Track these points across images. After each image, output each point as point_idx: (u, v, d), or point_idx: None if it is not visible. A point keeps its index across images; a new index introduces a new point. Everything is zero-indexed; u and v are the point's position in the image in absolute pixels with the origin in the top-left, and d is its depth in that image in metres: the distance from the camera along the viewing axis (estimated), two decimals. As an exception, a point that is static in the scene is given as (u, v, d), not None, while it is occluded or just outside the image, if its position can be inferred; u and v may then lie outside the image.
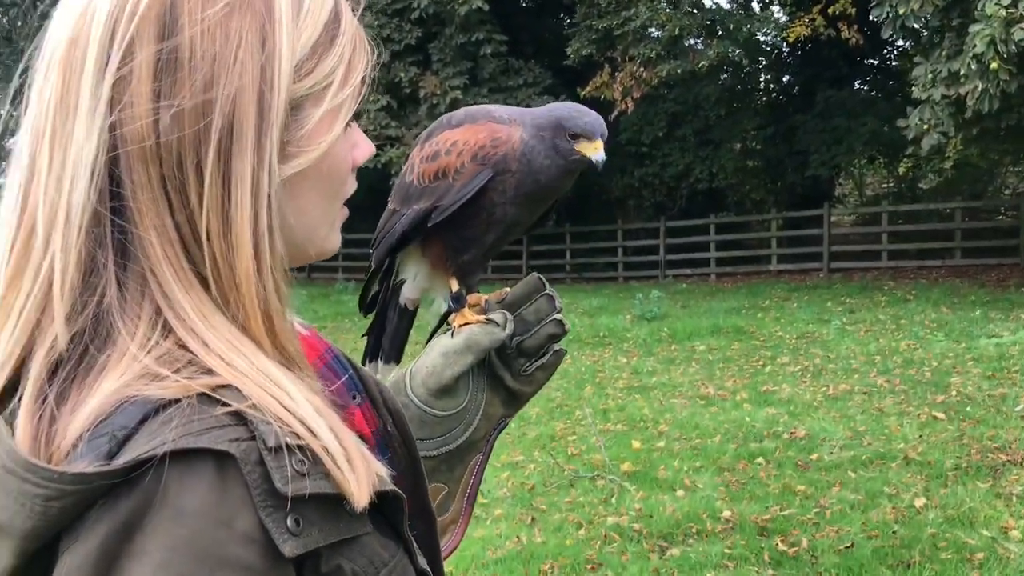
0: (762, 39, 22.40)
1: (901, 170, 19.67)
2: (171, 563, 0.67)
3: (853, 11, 16.86)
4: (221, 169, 0.76)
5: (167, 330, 0.76)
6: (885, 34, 14.46)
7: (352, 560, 0.78)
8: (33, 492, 0.69)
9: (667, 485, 6.28)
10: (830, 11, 17.13)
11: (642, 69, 18.27)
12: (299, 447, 0.74)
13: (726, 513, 5.64)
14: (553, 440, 7.60)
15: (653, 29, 18.58)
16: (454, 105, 19.62)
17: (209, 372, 0.75)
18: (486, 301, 1.42)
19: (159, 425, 0.70)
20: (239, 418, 0.73)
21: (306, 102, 0.82)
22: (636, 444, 7.25)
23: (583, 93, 19.26)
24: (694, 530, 5.46)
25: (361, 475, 0.77)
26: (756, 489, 6.09)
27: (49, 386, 0.74)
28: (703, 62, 18.32)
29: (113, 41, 0.75)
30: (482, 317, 1.35)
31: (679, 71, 18.52)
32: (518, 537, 5.47)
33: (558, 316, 1.38)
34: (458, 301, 1.40)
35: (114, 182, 0.75)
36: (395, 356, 1.55)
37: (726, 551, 5.11)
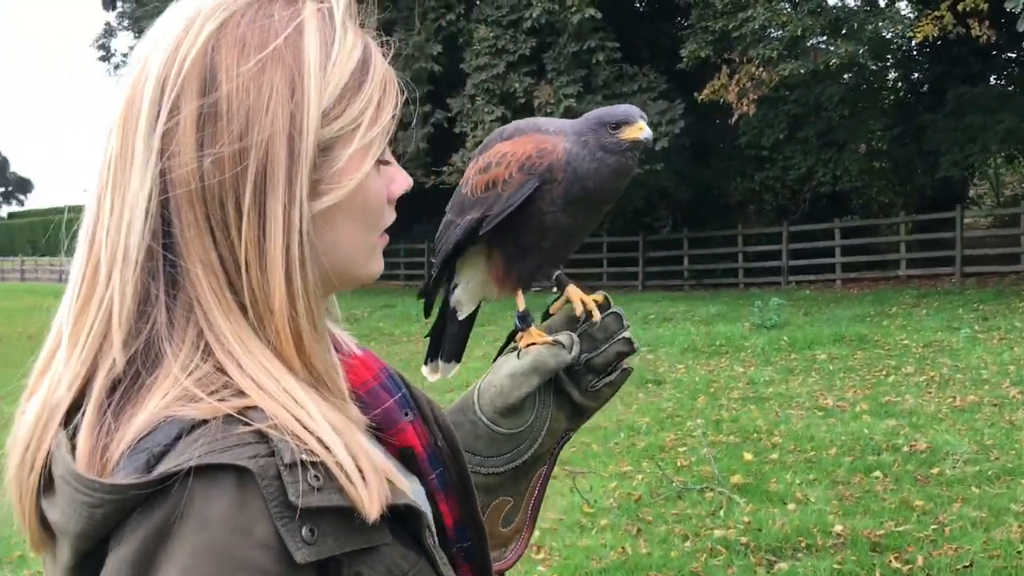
0: (888, 36, 21.59)
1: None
2: (195, 567, 0.75)
3: (985, 6, 16.06)
4: (257, 207, 0.84)
5: (207, 353, 0.84)
6: (1021, 27, 13.74)
7: (372, 568, 0.84)
8: (81, 500, 0.78)
9: (778, 498, 6.14)
10: (960, 7, 16.35)
11: (761, 70, 17.87)
12: (314, 463, 0.80)
13: (838, 528, 5.47)
14: (662, 451, 7.53)
15: (772, 30, 18.16)
16: (568, 113, 19.69)
17: (240, 394, 0.83)
18: (555, 311, 1.46)
19: (190, 443, 0.78)
20: (261, 436, 0.80)
21: (335, 143, 0.89)
22: (748, 456, 7.10)
23: (700, 97, 19.02)
24: (804, 544, 5.32)
25: (373, 489, 0.83)
26: (871, 503, 5.89)
27: (108, 404, 0.83)
28: (833, 60, 17.75)
29: (162, 98, 0.84)
30: (549, 338, 1.37)
31: (801, 71, 18.03)
32: (623, 548, 5.45)
33: (626, 335, 1.41)
34: (524, 321, 1.42)
35: (165, 222, 0.85)
36: (455, 355, 1.62)
37: (836, 567, 4.97)
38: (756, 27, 17.62)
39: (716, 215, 23.30)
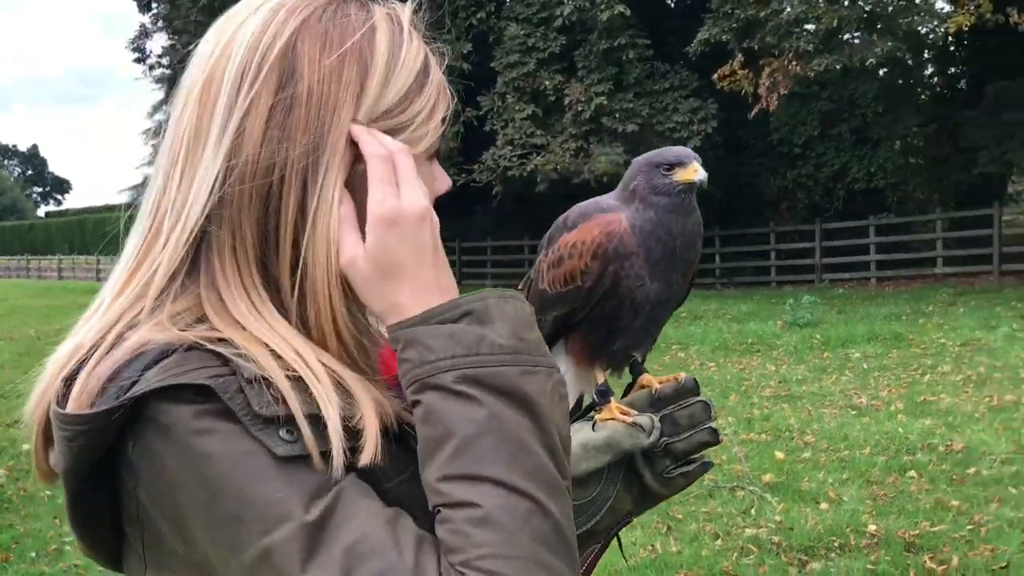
0: (924, 31, 21.29)
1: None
2: (169, 470, 0.80)
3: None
4: (316, 192, 0.88)
5: (200, 310, 0.89)
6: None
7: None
8: (60, 435, 0.83)
9: (810, 497, 6.08)
10: (999, -6, 16.06)
11: (795, 63, 17.61)
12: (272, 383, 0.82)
13: (872, 528, 5.41)
14: (693, 448, 7.49)
15: (807, 23, 17.93)
16: (598, 111, 19.64)
17: (213, 329, 0.87)
18: (635, 391, 1.40)
19: (154, 372, 0.82)
20: (224, 362, 0.83)
21: (395, 135, 0.93)
22: (779, 455, 7.04)
23: (717, 82, 18.64)
24: (837, 544, 5.26)
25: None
26: (906, 503, 5.81)
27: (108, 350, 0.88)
28: (871, 59, 17.44)
29: (242, 84, 0.88)
30: (628, 418, 1.32)
31: (836, 66, 17.76)
32: (652, 546, 5.43)
33: (713, 425, 1.35)
34: (603, 396, 1.38)
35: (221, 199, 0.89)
36: None
37: (870, 567, 4.90)
38: (790, 18, 17.39)
39: (748, 212, 23.12)
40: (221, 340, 0.85)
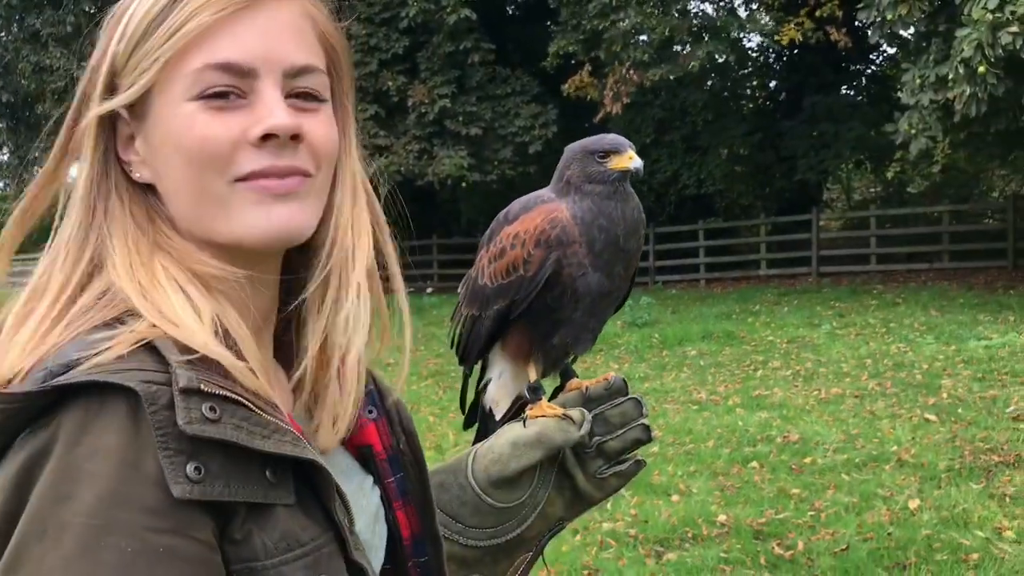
0: (748, 45, 22.48)
1: (889, 175, 19.77)
2: (78, 496, 0.72)
3: (840, 13, 16.96)
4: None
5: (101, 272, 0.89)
6: (872, 39, 14.55)
7: (264, 531, 0.79)
8: None
9: (662, 490, 6.28)
10: (817, 14, 17.22)
11: (632, 73, 18.26)
12: (214, 395, 0.77)
13: (721, 517, 5.64)
14: (547, 447, 7.59)
15: (643, 34, 18.60)
16: (442, 113, 19.65)
17: (145, 322, 0.82)
18: (565, 393, 1.38)
19: (88, 363, 0.76)
20: (163, 362, 0.78)
21: (131, 79, 0.89)
22: (630, 450, 7.24)
23: (566, 90, 19.22)
24: (690, 535, 5.45)
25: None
26: (751, 493, 6.10)
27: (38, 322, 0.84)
28: (693, 63, 18.30)
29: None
30: (560, 411, 1.30)
31: (670, 76, 18.53)
32: (514, 544, 5.46)
33: (645, 421, 1.34)
34: (535, 393, 1.36)
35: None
36: None
37: (722, 555, 5.11)
38: (627, 28, 18.00)
39: (586, 216, 23.70)
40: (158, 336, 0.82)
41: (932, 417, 7.55)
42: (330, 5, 1.00)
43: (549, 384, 1.44)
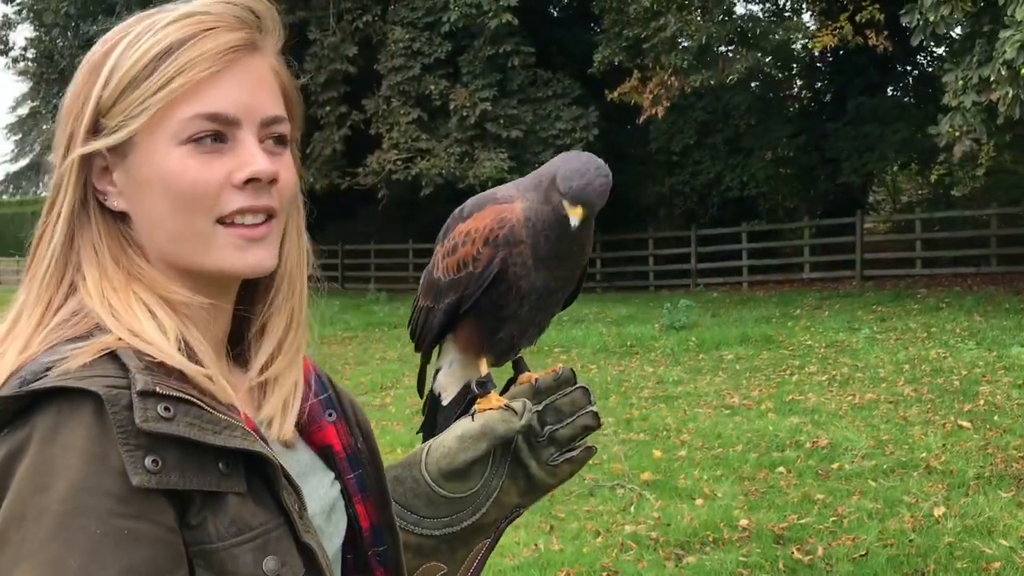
0: (794, 46, 22.31)
1: (934, 177, 19.46)
2: (51, 486, 0.83)
3: (881, 17, 16.76)
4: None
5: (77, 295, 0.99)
6: (915, 41, 14.34)
7: (216, 516, 0.90)
8: None
9: (686, 494, 6.31)
10: (858, 19, 17.03)
11: (673, 78, 18.27)
12: (168, 396, 0.88)
13: (743, 522, 5.66)
14: (575, 449, 7.65)
15: (683, 40, 18.57)
16: (483, 116, 19.78)
17: (111, 335, 0.93)
18: (517, 385, 1.44)
19: (59, 372, 0.88)
20: (124, 369, 0.89)
21: (121, 120, 0.98)
22: (657, 453, 7.28)
23: (611, 96, 19.30)
24: (711, 538, 5.49)
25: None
26: (775, 498, 6.11)
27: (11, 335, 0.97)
28: (732, 76, 18.22)
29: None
30: (502, 403, 1.36)
31: (711, 82, 18.49)
32: (535, 544, 5.54)
33: (594, 409, 1.40)
34: (483, 387, 1.41)
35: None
36: None
37: (741, 559, 5.14)
38: (668, 35, 18.00)
39: (628, 219, 23.68)
40: (123, 348, 0.92)
41: (966, 424, 7.47)
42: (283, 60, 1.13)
43: (503, 376, 1.51)
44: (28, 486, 0.83)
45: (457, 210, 1.50)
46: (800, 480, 6.45)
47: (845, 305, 15.71)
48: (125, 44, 0.99)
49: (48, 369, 0.88)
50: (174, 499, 0.87)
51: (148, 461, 0.85)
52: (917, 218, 19.88)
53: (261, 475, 0.94)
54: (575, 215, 1.34)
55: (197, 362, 0.95)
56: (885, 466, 6.55)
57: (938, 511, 5.57)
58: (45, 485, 0.83)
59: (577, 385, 1.41)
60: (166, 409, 0.87)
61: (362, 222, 25.91)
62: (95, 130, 0.99)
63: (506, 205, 1.43)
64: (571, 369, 1.43)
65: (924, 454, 6.75)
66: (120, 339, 0.92)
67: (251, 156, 0.99)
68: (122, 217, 1.02)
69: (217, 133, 0.98)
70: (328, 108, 21.65)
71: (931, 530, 5.31)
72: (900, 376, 9.59)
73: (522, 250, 1.40)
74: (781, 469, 6.72)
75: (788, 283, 20.00)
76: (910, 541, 5.15)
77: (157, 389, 0.87)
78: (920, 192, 26.54)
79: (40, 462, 0.84)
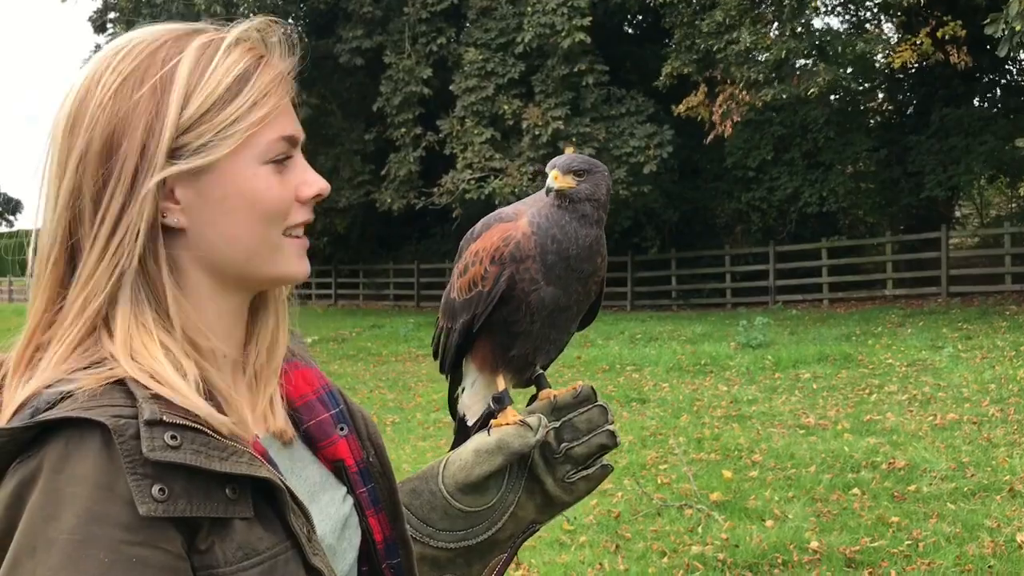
0: (877, 59, 21.81)
1: (1023, 191, 18.79)
2: (59, 516, 0.85)
3: (963, 33, 16.29)
4: (119, 202, 0.99)
5: (98, 333, 0.99)
6: (1001, 52, 13.92)
7: (224, 542, 0.92)
8: None
9: (756, 515, 6.19)
10: (939, 34, 16.57)
11: (744, 92, 18.04)
12: (175, 424, 0.90)
13: (814, 544, 5.52)
14: (643, 468, 7.58)
15: (758, 52, 18.34)
16: (556, 135, 19.84)
17: (118, 365, 0.95)
18: (536, 402, 1.45)
19: (67, 402, 0.90)
20: (132, 399, 0.91)
21: (204, 142, 1.00)
22: (728, 473, 7.16)
23: (677, 111, 19.17)
24: (780, 560, 5.37)
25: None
26: (848, 520, 5.95)
27: (25, 367, 0.99)
28: (812, 89, 17.90)
29: (67, 132, 1.03)
30: (518, 419, 1.37)
31: (783, 96, 18.22)
32: (601, 564, 5.50)
33: (611, 428, 1.40)
34: (499, 402, 1.43)
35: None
36: None
37: (811, 583, 5.02)
38: (741, 49, 17.81)
39: (704, 235, 23.42)
40: (131, 379, 0.93)
41: (1054, 446, 7.18)
42: None
43: (524, 395, 1.52)
44: (38, 516, 0.85)
45: (469, 231, 1.53)
46: (875, 502, 6.27)
47: (929, 322, 15.25)
48: (191, 64, 1.00)
49: (62, 398, 0.91)
50: (182, 525, 0.89)
51: (155, 490, 0.87)
52: (1007, 232, 19.18)
53: (268, 499, 0.96)
54: (554, 179, 1.42)
55: (216, 404, 0.98)
56: (966, 489, 6.32)
57: (1020, 536, 5.34)
58: (54, 515, 0.85)
59: (596, 403, 1.41)
60: (172, 437, 0.89)
61: (437, 241, 26.17)
62: (174, 154, 0.99)
63: (511, 223, 1.46)
64: (591, 387, 1.43)
65: (1008, 477, 6.49)
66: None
67: (313, 175, 1.08)
68: (170, 233, 1.03)
69: (288, 155, 1.05)
70: (404, 129, 22.01)
71: (1012, 556, 5.10)
72: (985, 396, 9.25)
73: (529, 265, 1.42)
74: (855, 491, 6.54)
75: (870, 300, 19.51)
76: (989, 567, 4.96)
77: (164, 418, 0.89)
78: (1010, 206, 25.62)
79: (50, 492, 0.86)
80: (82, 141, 0.98)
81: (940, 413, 8.71)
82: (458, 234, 25.62)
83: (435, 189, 21.46)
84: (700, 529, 6.00)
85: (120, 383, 0.92)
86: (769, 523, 6.00)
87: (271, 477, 0.95)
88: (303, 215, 1.08)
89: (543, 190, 1.48)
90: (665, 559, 5.54)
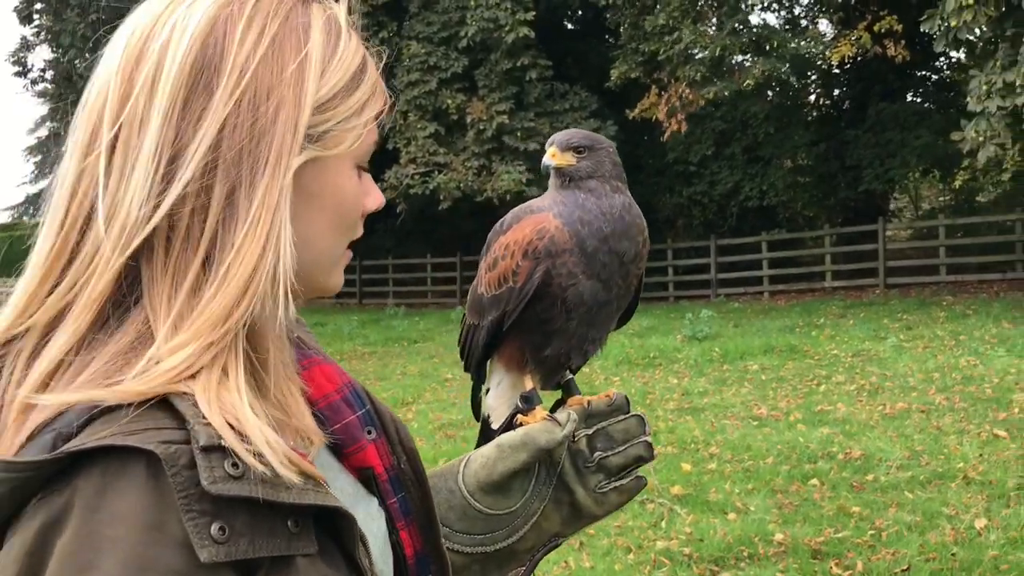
0: (808, 56, 22.16)
1: (957, 183, 19.25)
2: (98, 565, 0.69)
3: (900, 27, 16.63)
4: (248, 184, 0.83)
5: (145, 339, 0.80)
6: (937, 48, 14.24)
7: None
8: None
9: (718, 508, 6.18)
10: (876, 28, 16.90)
11: (688, 91, 18.20)
12: (235, 451, 0.74)
13: (778, 536, 5.53)
14: (602, 463, 7.54)
15: (697, 51, 18.50)
16: (501, 129, 19.76)
17: (168, 380, 0.77)
18: (566, 407, 1.35)
19: (100, 424, 0.74)
20: (180, 420, 0.75)
21: (321, 132, 0.88)
22: (686, 467, 7.15)
23: (632, 115, 19.27)
24: (746, 554, 5.36)
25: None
26: (810, 511, 5.97)
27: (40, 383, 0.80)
28: (749, 81, 18.16)
29: (178, 91, 0.84)
30: (545, 414, 1.29)
31: (725, 92, 18.41)
32: (566, 562, 5.42)
33: (648, 439, 1.33)
34: (528, 402, 1.35)
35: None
36: None
37: (779, 575, 5.01)
38: (682, 48, 17.95)
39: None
40: (178, 394, 0.77)
41: (1002, 433, 7.31)
42: None
43: (549, 399, 1.42)
44: (71, 565, 0.69)
45: (498, 223, 1.44)
46: (835, 493, 6.31)
47: (870, 313, 15.53)
48: (323, 38, 0.88)
49: (91, 419, 0.74)
50: (239, 567, 0.74)
51: (215, 529, 0.72)
52: (941, 224, 19.65)
53: (330, 530, 0.82)
54: (548, 155, 1.37)
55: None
56: (922, 477, 6.40)
57: (980, 523, 5.42)
58: (93, 563, 0.69)
59: (633, 413, 1.33)
60: (234, 466, 0.74)
61: (380, 237, 25.88)
62: (312, 137, 0.86)
63: (542, 215, 1.37)
64: (625, 395, 1.35)
65: (961, 464, 6.59)
66: (177, 386, 0.77)
67: (376, 188, 0.99)
68: None
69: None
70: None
71: (974, 543, 5.16)
72: (931, 385, 9.42)
73: (566, 259, 1.33)
74: (814, 481, 6.57)
75: (810, 292, 19.82)
76: (952, 555, 5.01)
77: (222, 443, 0.74)
78: (942, 199, 26.29)
79: (84, 536, 0.70)
80: (224, 95, 0.81)
81: (889, 403, 8.83)
82: (401, 229, 25.55)
83: (378, 184, 21.18)
84: (664, 524, 5.97)
85: (163, 401, 0.76)
86: (732, 516, 5.99)
87: (342, 507, 0.82)
88: (360, 230, 0.98)
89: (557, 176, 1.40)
90: (631, 555, 5.49)
